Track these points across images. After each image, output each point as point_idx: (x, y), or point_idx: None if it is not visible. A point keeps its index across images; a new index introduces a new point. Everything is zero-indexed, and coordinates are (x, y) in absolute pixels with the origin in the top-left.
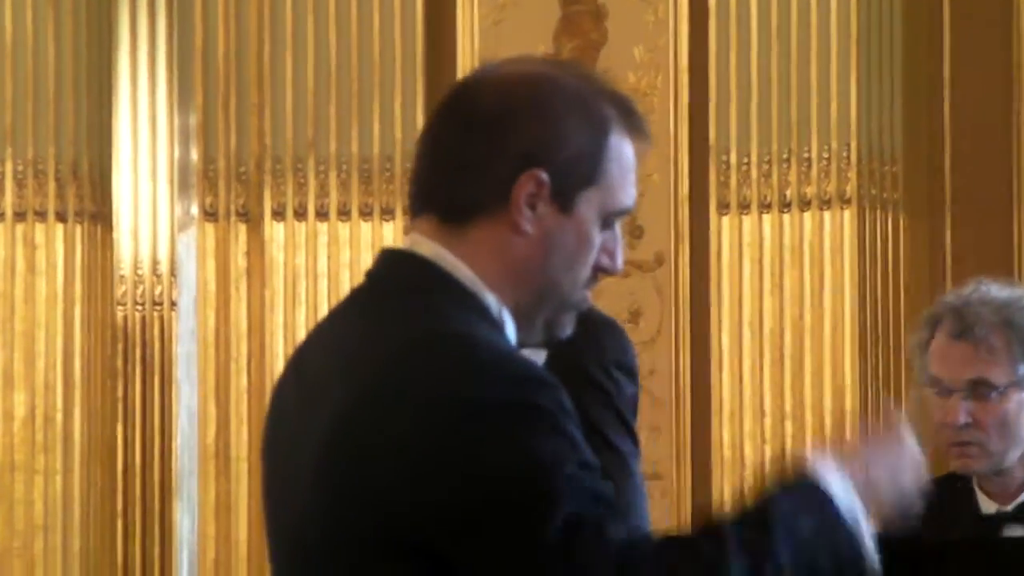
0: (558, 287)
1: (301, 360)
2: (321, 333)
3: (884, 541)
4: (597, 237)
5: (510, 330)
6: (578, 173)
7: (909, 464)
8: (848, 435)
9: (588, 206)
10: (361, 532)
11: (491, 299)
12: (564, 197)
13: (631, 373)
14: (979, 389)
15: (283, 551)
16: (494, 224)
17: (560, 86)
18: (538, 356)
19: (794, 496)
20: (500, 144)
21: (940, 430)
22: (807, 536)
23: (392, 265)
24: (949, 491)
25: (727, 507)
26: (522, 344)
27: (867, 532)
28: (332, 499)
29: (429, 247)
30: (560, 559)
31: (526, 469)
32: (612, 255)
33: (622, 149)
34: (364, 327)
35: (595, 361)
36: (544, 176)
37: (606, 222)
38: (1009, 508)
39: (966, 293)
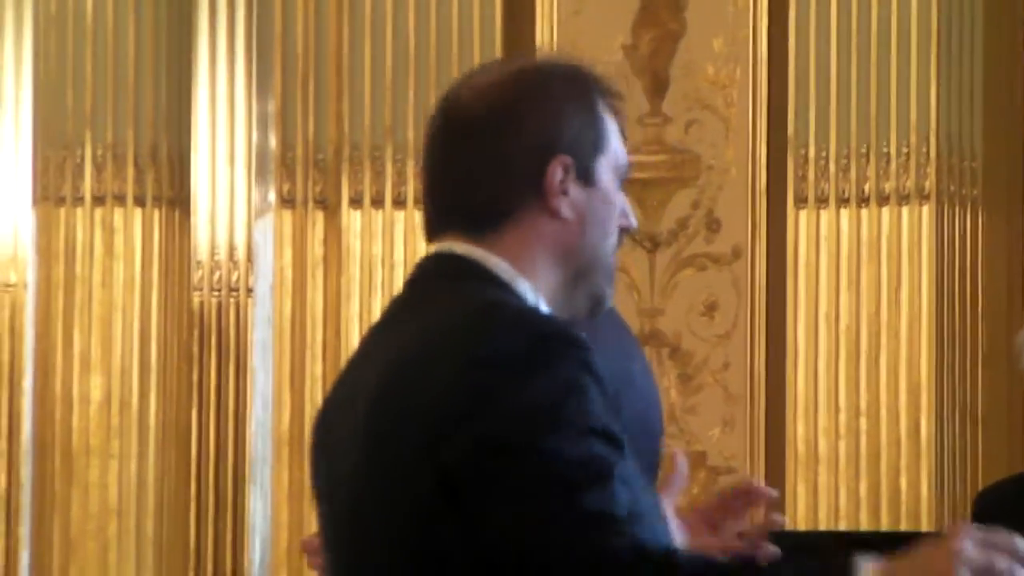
0: (599, 257)
1: (348, 372)
2: (367, 341)
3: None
4: (618, 198)
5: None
6: (589, 145)
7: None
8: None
9: (604, 172)
10: (408, 481)
11: (526, 287)
12: (586, 171)
13: (624, 380)
14: None
15: (337, 529)
16: (531, 220)
17: (539, 72)
18: None
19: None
20: (513, 144)
21: None
22: None
23: (431, 264)
24: None
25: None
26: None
27: None
28: (381, 454)
29: (462, 247)
30: (575, 514)
31: (527, 422)
32: (627, 214)
33: (609, 115)
34: (402, 315)
35: None
36: (568, 159)
37: (619, 183)
38: None
39: None
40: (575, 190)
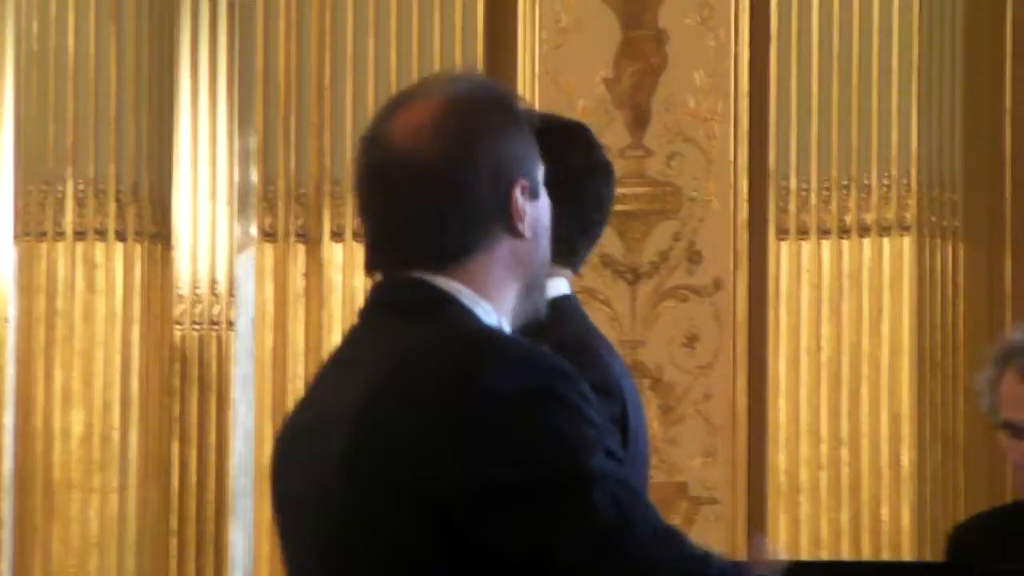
0: (544, 260)
1: (310, 395)
2: (328, 367)
3: (938, 568)
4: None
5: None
6: (530, 161)
7: None
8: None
9: (540, 178)
10: (393, 511)
11: (487, 309)
12: (535, 187)
13: (605, 392)
14: None
15: (310, 558)
16: (497, 246)
17: (470, 102)
18: None
19: None
20: (473, 184)
21: (1016, 470)
22: None
23: (388, 292)
24: (1013, 520)
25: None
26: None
27: None
28: (361, 483)
29: (421, 274)
30: (607, 532)
31: (556, 453)
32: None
33: (527, 124)
34: (375, 341)
35: None
36: (524, 181)
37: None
38: None
39: None
40: (529, 207)
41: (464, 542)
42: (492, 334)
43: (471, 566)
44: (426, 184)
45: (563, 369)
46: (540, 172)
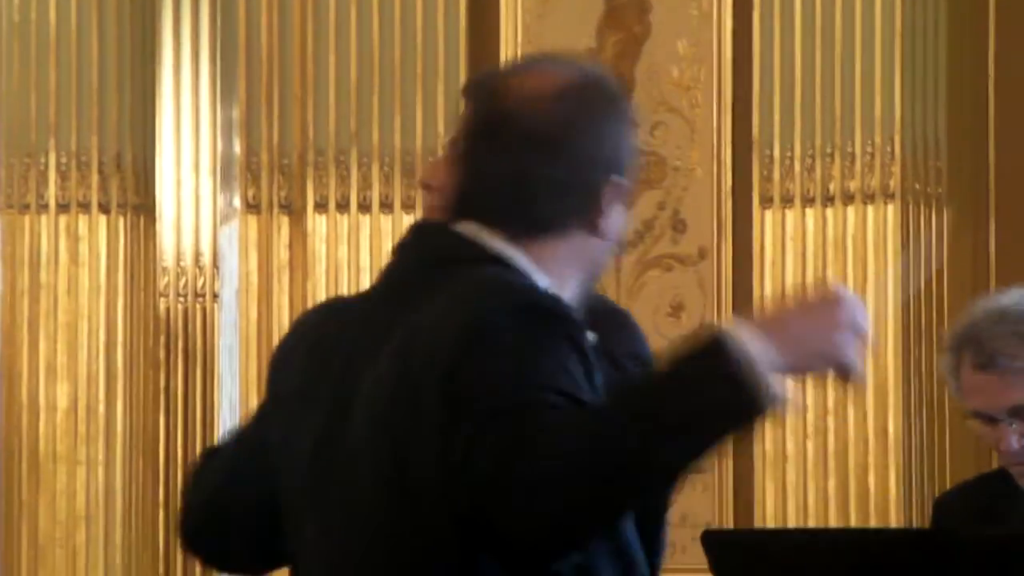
0: (608, 261)
1: (323, 323)
2: (347, 306)
3: (924, 535)
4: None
5: None
6: (631, 167)
7: (844, 320)
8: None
9: (630, 190)
10: (409, 444)
11: (544, 280)
12: (628, 194)
13: (645, 362)
14: (1021, 414)
15: (323, 499)
16: (575, 236)
17: (598, 89)
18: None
19: (690, 360)
20: (574, 164)
21: (999, 455)
22: (694, 406)
23: (452, 245)
24: (998, 488)
25: None
26: None
27: (770, 383)
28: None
29: (486, 238)
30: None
31: (517, 381)
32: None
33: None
34: (420, 289)
35: (605, 353)
36: (622, 181)
37: None
38: None
39: (979, 314)
40: (615, 212)
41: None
42: (504, 276)
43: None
44: (530, 148)
45: (558, 311)
46: (632, 175)
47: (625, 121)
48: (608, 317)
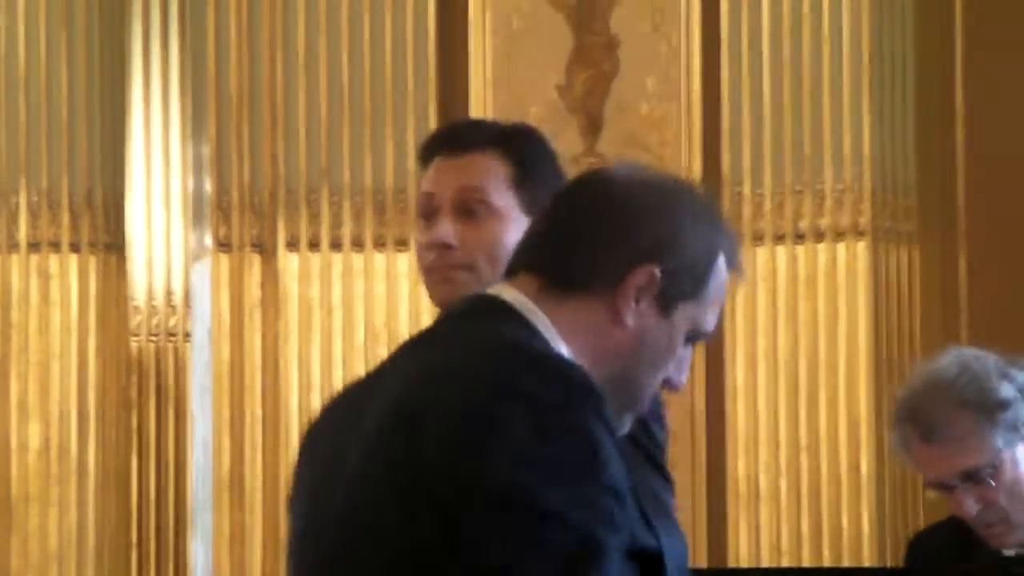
0: (632, 384)
1: (346, 400)
2: (376, 372)
3: (897, 573)
4: (681, 349)
5: None
6: (686, 282)
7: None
8: None
9: (683, 316)
10: (408, 505)
11: (563, 350)
12: (668, 300)
13: (660, 420)
14: (973, 478)
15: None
16: (597, 304)
17: (691, 198)
18: None
19: None
20: (626, 232)
21: (966, 521)
22: None
23: (471, 301)
24: (961, 531)
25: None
26: None
27: None
28: (383, 465)
29: (512, 294)
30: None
31: (537, 477)
32: (680, 370)
33: (722, 275)
34: (431, 343)
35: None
36: (658, 273)
37: (689, 338)
38: None
39: (916, 387)
40: (647, 307)
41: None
42: (529, 343)
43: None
44: (594, 208)
45: (590, 385)
46: (694, 307)
47: (705, 242)
48: None
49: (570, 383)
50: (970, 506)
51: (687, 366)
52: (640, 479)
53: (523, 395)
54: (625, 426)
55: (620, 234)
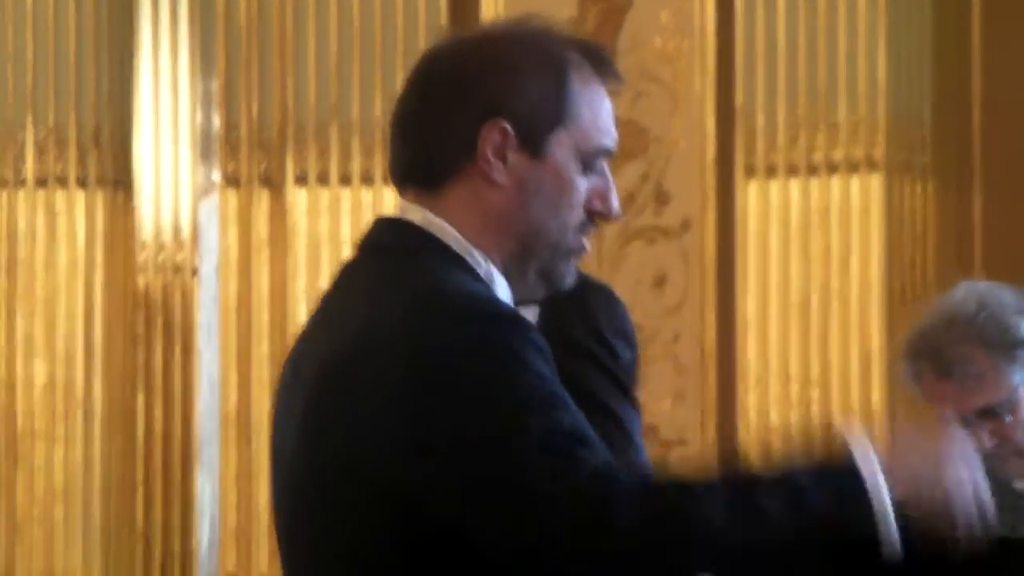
0: (544, 233)
1: (297, 347)
2: (315, 312)
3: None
4: (578, 179)
5: (501, 288)
6: (542, 116)
7: (955, 459)
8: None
9: (561, 148)
10: (345, 474)
11: (478, 257)
12: (533, 142)
13: (627, 338)
14: (988, 414)
15: (282, 514)
16: (467, 180)
17: (514, 37)
18: (529, 313)
19: (819, 469)
20: (461, 102)
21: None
22: (819, 511)
23: (382, 232)
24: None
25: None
26: (522, 301)
27: (891, 516)
28: (318, 442)
29: (417, 212)
30: (545, 485)
31: (500, 408)
32: (604, 198)
33: (590, 90)
34: (349, 290)
35: (585, 328)
36: (507, 124)
37: (587, 164)
38: None
39: (931, 322)
40: (516, 158)
41: (413, 508)
42: (442, 286)
43: (420, 536)
44: (426, 97)
45: (511, 316)
46: (566, 135)
47: (540, 69)
48: (594, 294)
49: (487, 319)
50: (985, 441)
51: (613, 191)
52: (602, 406)
53: (435, 346)
54: (568, 276)
55: (455, 105)
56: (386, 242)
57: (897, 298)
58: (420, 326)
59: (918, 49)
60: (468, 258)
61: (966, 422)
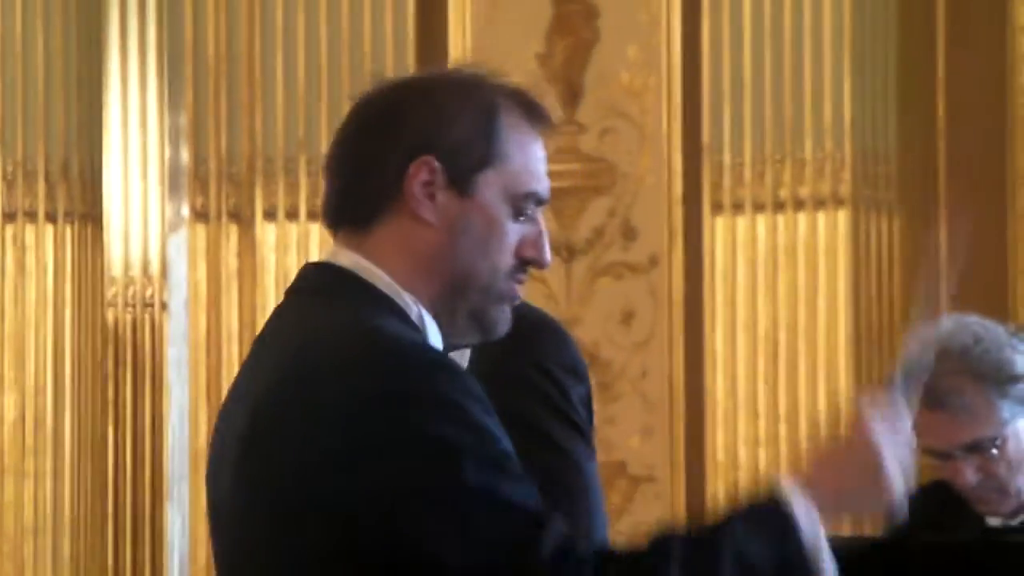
0: (475, 275)
1: (235, 383)
2: (251, 353)
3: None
4: (508, 222)
5: (432, 332)
6: (471, 154)
7: (892, 455)
8: (819, 446)
9: (489, 188)
10: (275, 510)
11: (408, 300)
12: (461, 180)
13: (574, 372)
14: (976, 449)
15: (219, 549)
16: (396, 219)
17: (446, 80)
18: (462, 358)
19: (754, 519)
20: (389, 140)
21: (958, 488)
22: (756, 562)
23: (310, 277)
24: (946, 498)
25: (707, 515)
26: (454, 346)
27: (828, 561)
28: (251, 479)
29: (346, 256)
30: (481, 555)
31: (433, 461)
32: (536, 245)
33: (520, 134)
34: (284, 329)
35: (529, 362)
36: (434, 161)
37: (517, 209)
38: (1015, 522)
39: (922, 352)
40: (445, 196)
41: (347, 549)
42: (376, 331)
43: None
44: (356, 137)
45: (444, 364)
46: (496, 176)
47: (471, 110)
48: (540, 329)
49: (423, 368)
50: (969, 476)
51: (545, 239)
52: (549, 443)
53: (370, 395)
54: (501, 322)
55: (384, 144)
56: (314, 286)
57: (864, 333)
58: (355, 377)
59: (883, 85)
60: (398, 300)
61: (951, 456)
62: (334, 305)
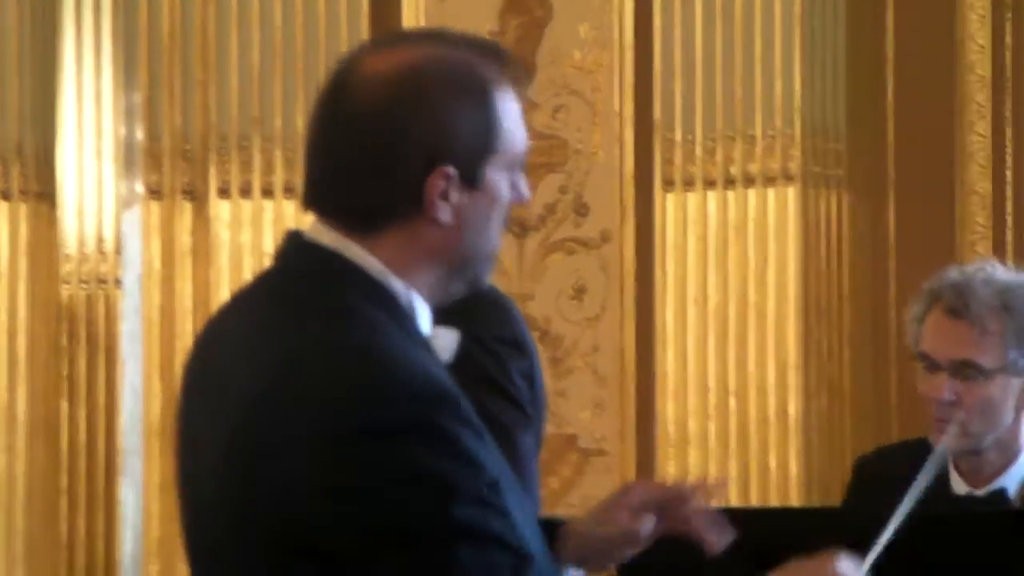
0: (477, 257)
1: (207, 344)
2: (228, 316)
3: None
4: (508, 193)
5: (422, 314)
6: (477, 150)
7: None
8: None
9: (494, 172)
10: (258, 530)
11: (399, 287)
12: (472, 177)
13: (515, 345)
14: (966, 370)
15: (191, 539)
16: (411, 226)
17: (437, 68)
18: (450, 335)
19: None
20: (398, 149)
21: (925, 402)
22: None
23: (300, 254)
24: (917, 455)
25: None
26: (441, 305)
27: None
28: (233, 493)
29: (334, 238)
30: None
31: (424, 496)
32: (518, 189)
33: (506, 104)
34: (269, 317)
35: (471, 335)
36: (451, 170)
37: (513, 171)
38: (981, 492)
39: (970, 271)
40: (458, 195)
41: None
42: (370, 350)
43: None
44: (356, 135)
45: (441, 393)
46: (498, 157)
47: (469, 102)
48: (476, 301)
49: (417, 398)
50: (944, 394)
51: (522, 181)
52: (487, 417)
53: (362, 425)
54: (488, 275)
55: (395, 158)
56: (304, 267)
57: (813, 308)
58: (344, 404)
59: (833, 63)
60: (388, 287)
61: (939, 368)
62: (320, 292)
